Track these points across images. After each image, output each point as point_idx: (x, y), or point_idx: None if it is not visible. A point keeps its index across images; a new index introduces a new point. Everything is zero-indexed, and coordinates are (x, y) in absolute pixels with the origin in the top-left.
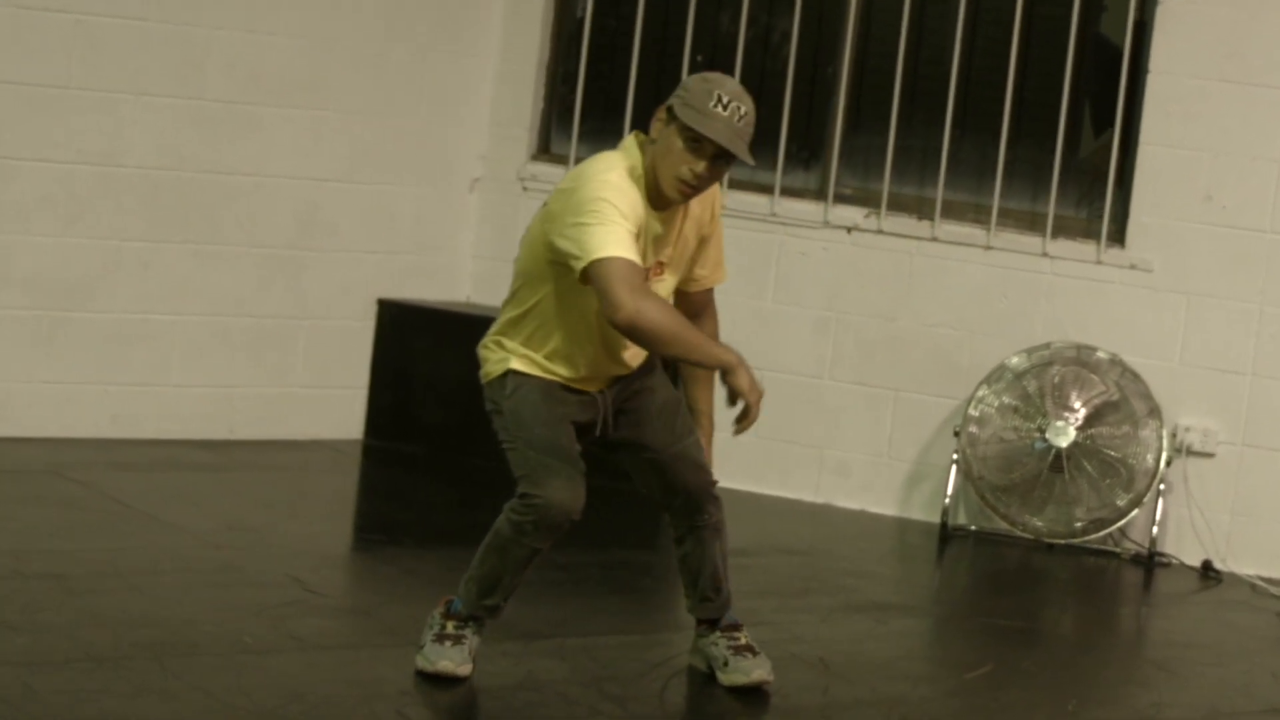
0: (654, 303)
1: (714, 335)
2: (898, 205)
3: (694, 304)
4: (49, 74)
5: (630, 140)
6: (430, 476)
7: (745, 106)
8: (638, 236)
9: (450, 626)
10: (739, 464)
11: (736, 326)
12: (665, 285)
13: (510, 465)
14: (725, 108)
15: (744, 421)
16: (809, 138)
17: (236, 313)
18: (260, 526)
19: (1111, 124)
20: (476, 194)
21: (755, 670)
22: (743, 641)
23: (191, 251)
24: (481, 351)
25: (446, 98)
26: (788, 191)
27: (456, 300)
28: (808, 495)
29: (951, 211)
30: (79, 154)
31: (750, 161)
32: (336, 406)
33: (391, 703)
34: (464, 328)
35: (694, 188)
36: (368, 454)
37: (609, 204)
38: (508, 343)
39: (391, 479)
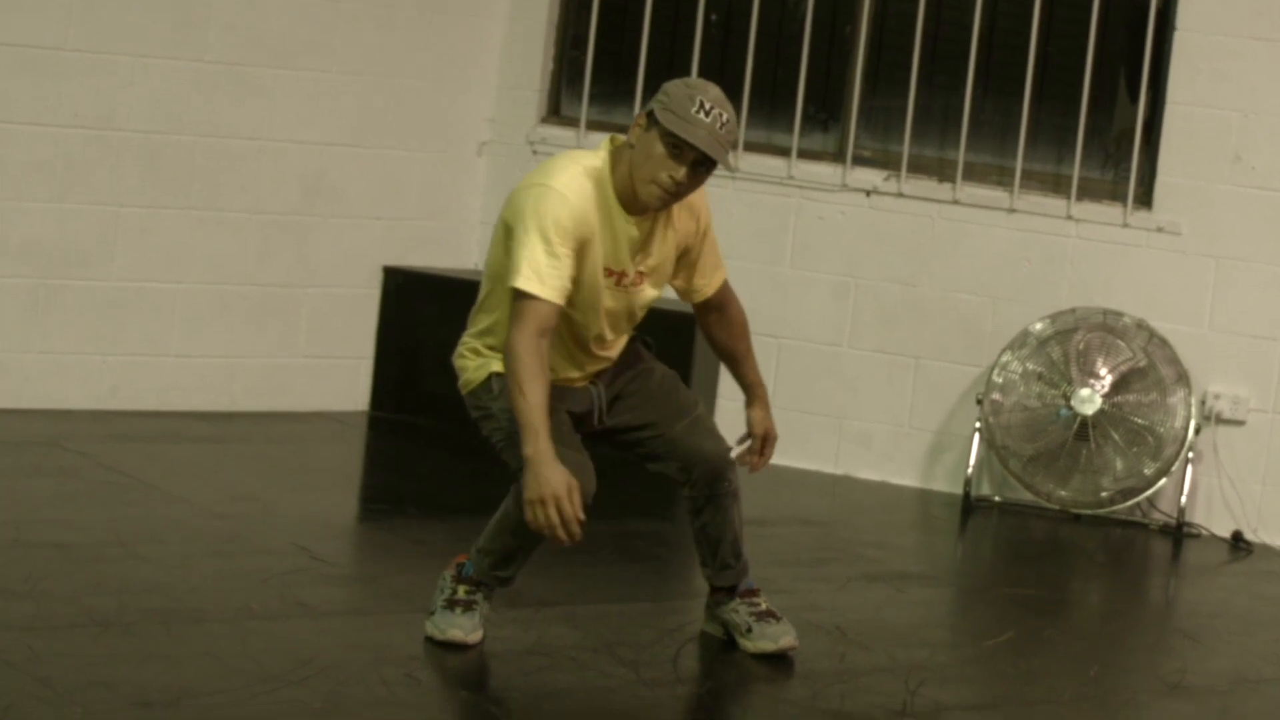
0: (529, 347)
1: (741, 323)
2: (918, 167)
3: (711, 307)
4: (44, 35)
5: (604, 143)
6: (437, 448)
7: (727, 114)
8: (583, 244)
9: (462, 591)
10: None
11: (753, 293)
12: (645, 295)
13: (513, 462)
14: (707, 114)
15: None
16: (827, 99)
17: (238, 281)
18: (264, 497)
19: (1139, 85)
20: (485, 158)
21: (783, 637)
22: (764, 607)
23: (192, 218)
24: (458, 362)
25: (454, 59)
26: (805, 154)
27: (465, 268)
28: (827, 466)
29: (973, 174)
30: (75, 117)
31: (731, 168)
32: (341, 377)
33: (401, 666)
34: (472, 296)
35: (673, 194)
36: (373, 425)
37: (537, 223)
38: (484, 350)
39: (397, 450)
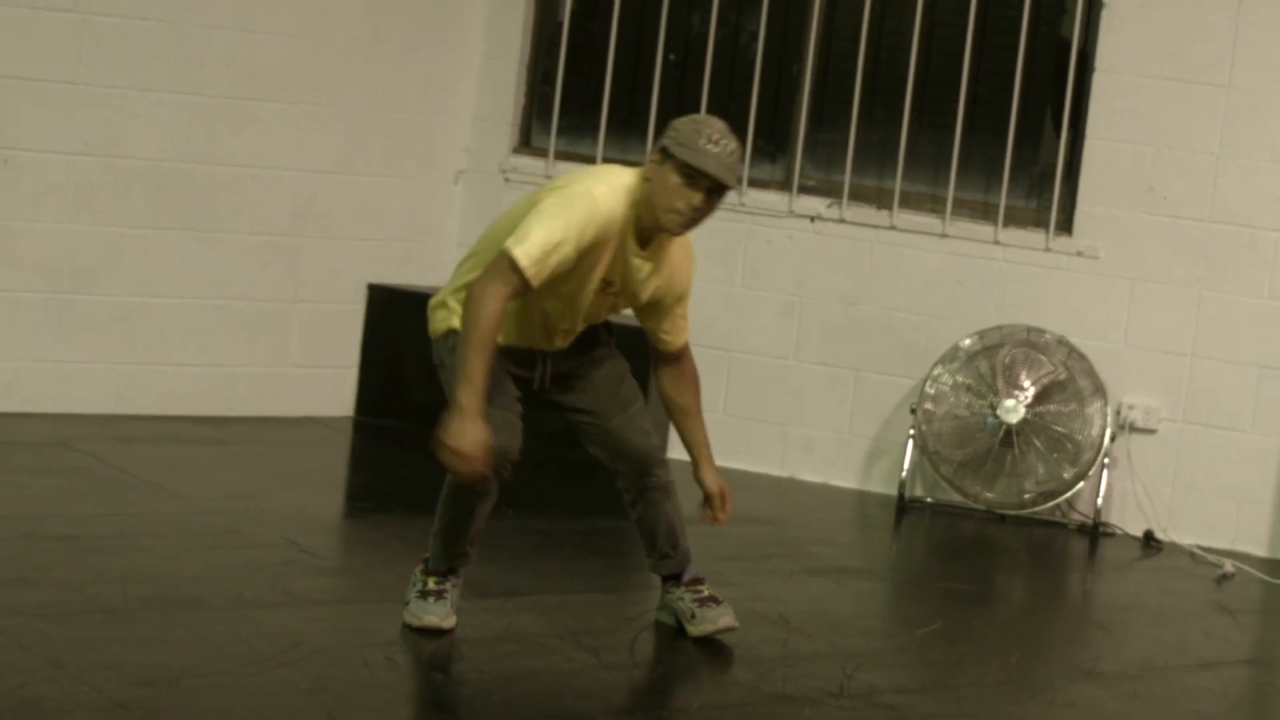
0: (490, 302)
1: (694, 379)
2: (858, 196)
3: (669, 360)
4: (57, 70)
5: (638, 171)
6: (418, 451)
7: (733, 144)
8: (594, 250)
9: (431, 583)
10: (713, 441)
11: (707, 311)
12: (618, 306)
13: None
14: (716, 145)
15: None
16: (775, 132)
17: (234, 296)
18: (257, 495)
19: (1061, 121)
20: (461, 185)
21: (721, 618)
22: (706, 593)
23: (192, 238)
24: (432, 308)
25: (433, 94)
26: (755, 183)
27: (436, 284)
28: (774, 470)
29: (909, 202)
30: (84, 145)
31: (740, 192)
32: (329, 385)
33: (382, 650)
34: None
35: (691, 220)
36: (358, 430)
37: (566, 216)
38: (454, 304)
39: (380, 453)
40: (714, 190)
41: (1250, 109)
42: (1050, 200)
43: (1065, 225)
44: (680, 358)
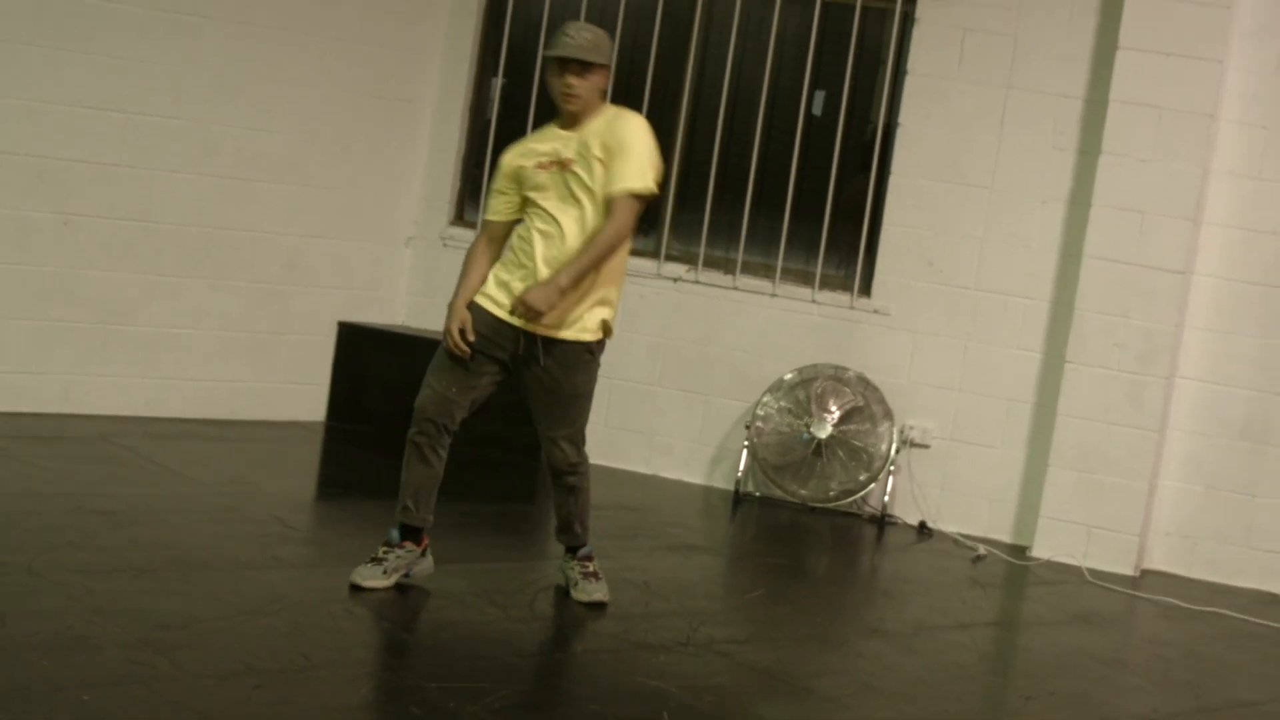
0: (472, 246)
1: (598, 234)
2: (710, 263)
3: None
4: (107, 155)
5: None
6: (373, 448)
7: (583, 33)
8: (520, 173)
9: (381, 550)
10: (596, 446)
11: None
12: (579, 171)
13: None
14: (569, 36)
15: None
16: (648, 214)
17: (238, 329)
18: (252, 480)
19: (864, 210)
20: (410, 249)
21: (596, 592)
22: (591, 569)
23: (206, 284)
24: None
25: (391, 179)
26: (634, 253)
27: (394, 323)
28: (641, 468)
29: (748, 269)
30: (126, 212)
31: (590, 57)
32: (308, 397)
33: (343, 605)
34: (399, 343)
35: (571, 94)
36: (329, 432)
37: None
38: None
39: (346, 450)
40: (576, 67)
41: (1006, 205)
42: (855, 270)
43: (865, 289)
44: (611, 209)
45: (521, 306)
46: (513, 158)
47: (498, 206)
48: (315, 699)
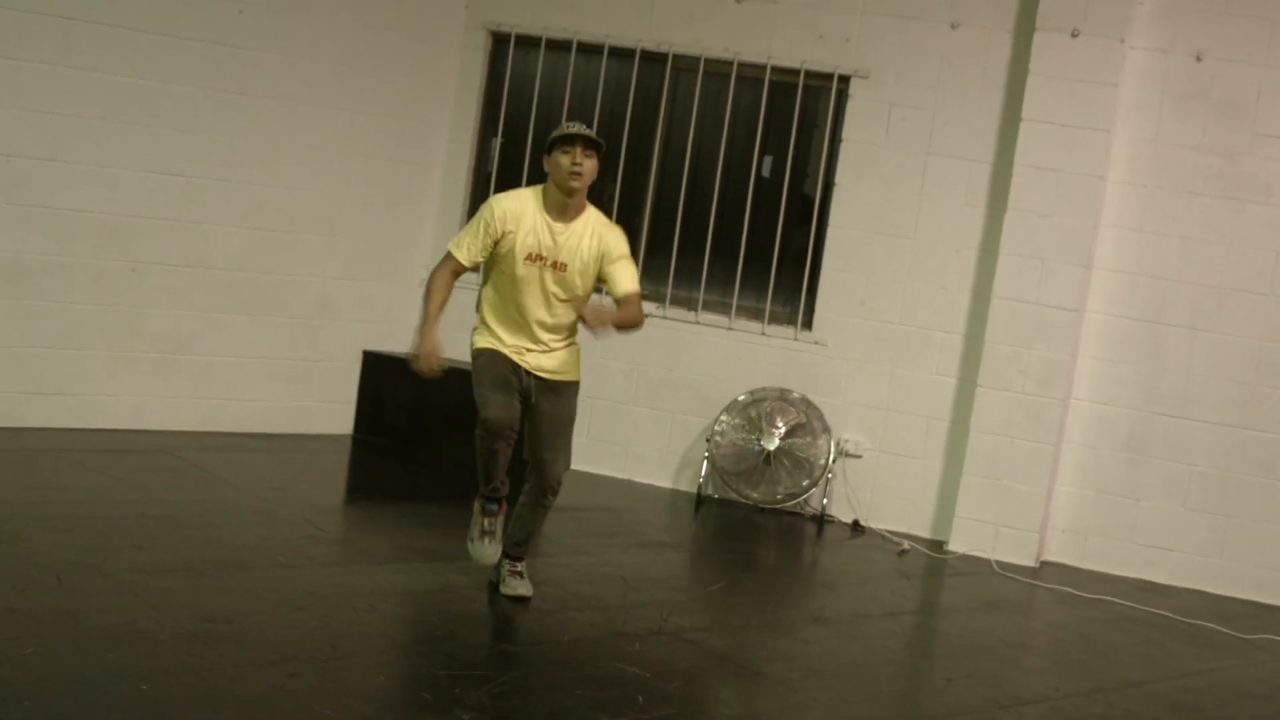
0: (436, 275)
1: (629, 317)
2: (676, 301)
3: (620, 305)
4: (168, 212)
5: (533, 187)
6: (393, 458)
7: (585, 125)
8: (506, 233)
9: (486, 523)
10: (580, 455)
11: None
12: (573, 281)
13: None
14: (573, 125)
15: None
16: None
17: (280, 357)
18: (288, 487)
19: (806, 256)
20: (423, 289)
21: (519, 588)
22: (519, 570)
23: (252, 320)
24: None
25: (406, 228)
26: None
27: (409, 351)
28: (619, 474)
29: (708, 306)
30: (185, 260)
31: (600, 141)
32: (337, 414)
33: (366, 600)
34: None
35: (579, 172)
36: (355, 443)
37: (479, 216)
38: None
39: (369, 459)
40: (582, 145)
41: (927, 253)
42: (798, 307)
43: (808, 324)
44: (627, 302)
45: (595, 316)
46: (504, 223)
47: (474, 253)
48: (341, 685)
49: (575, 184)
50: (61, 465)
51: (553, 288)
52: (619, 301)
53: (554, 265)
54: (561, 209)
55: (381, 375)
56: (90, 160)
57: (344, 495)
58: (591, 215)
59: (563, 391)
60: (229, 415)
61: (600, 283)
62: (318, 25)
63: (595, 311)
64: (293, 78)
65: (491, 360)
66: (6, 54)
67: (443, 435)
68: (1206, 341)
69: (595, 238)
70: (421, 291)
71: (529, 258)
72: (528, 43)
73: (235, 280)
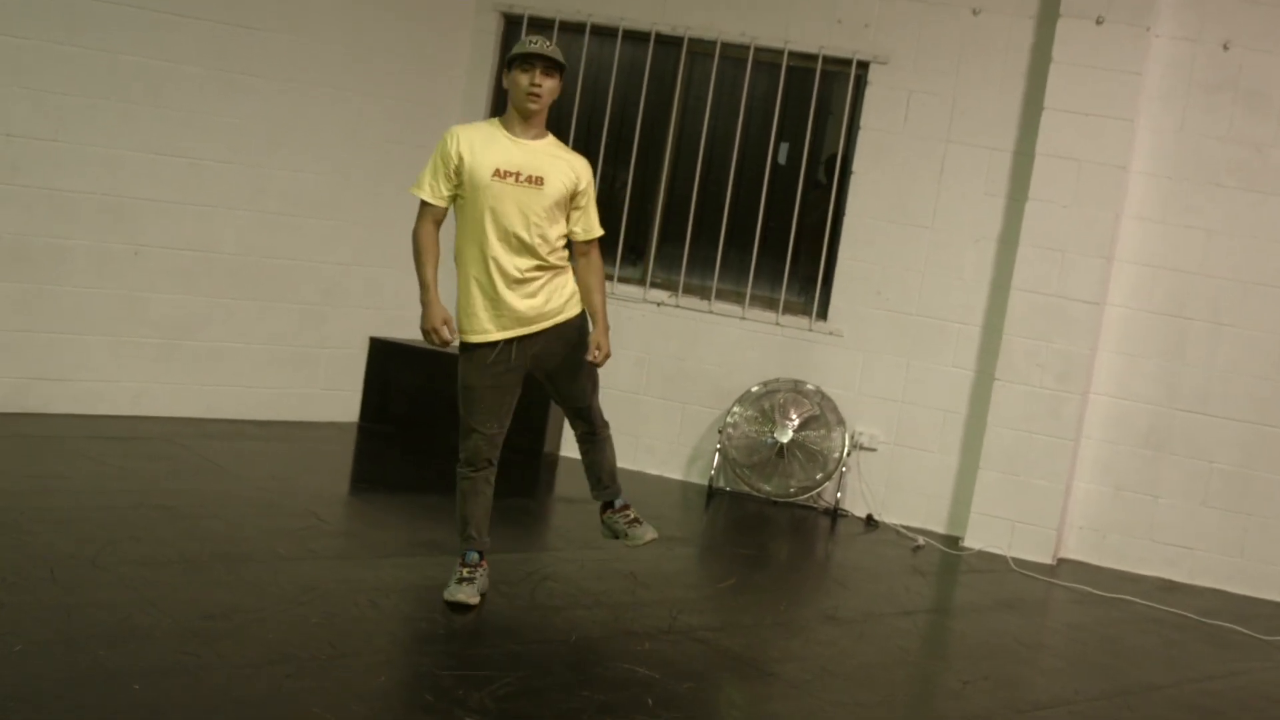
0: (419, 229)
1: (598, 266)
2: (689, 290)
3: (581, 252)
4: (172, 195)
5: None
6: (398, 447)
7: (548, 41)
8: (461, 161)
9: (465, 571)
10: None
11: None
12: (548, 193)
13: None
14: (535, 42)
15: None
16: (636, 247)
17: (285, 344)
18: (292, 477)
19: (822, 245)
20: None
21: (648, 533)
22: (632, 516)
23: (258, 306)
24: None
25: (415, 214)
26: (622, 279)
27: (417, 338)
28: (629, 465)
29: (721, 295)
30: (189, 244)
31: (559, 58)
32: (343, 401)
33: (368, 595)
34: (421, 356)
35: (536, 92)
36: (360, 431)
37: (434, 152)
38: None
39: (374, 447)
40: (542, 65)
41: (944, 243)
42: (813, 297)
43: (822, 314)
44: (589, 250)
45: (603, 356)
46: (458, 146)
47: (437, 189)
48: (340, 686)
49: (533, 105)
50: (61, 453)
51: (531, 204)
52: (583, 246)
53: (529, 180)
54: (522, 128)
55: (388, 362)
56: (93, 141)
57: (348, 485)
58: (551, 138)
59: (570, 334)
60: (233, 402)
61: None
62: (326, 5)
63: (607, 347)
64: (300, 59)
65: (481, 373)
66: (8, 31)
67: (450, 423)
68: (1229, 336)
69: (566, 158)
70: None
71: (497, 174)
72: (540, 25)
73: (240, 265)
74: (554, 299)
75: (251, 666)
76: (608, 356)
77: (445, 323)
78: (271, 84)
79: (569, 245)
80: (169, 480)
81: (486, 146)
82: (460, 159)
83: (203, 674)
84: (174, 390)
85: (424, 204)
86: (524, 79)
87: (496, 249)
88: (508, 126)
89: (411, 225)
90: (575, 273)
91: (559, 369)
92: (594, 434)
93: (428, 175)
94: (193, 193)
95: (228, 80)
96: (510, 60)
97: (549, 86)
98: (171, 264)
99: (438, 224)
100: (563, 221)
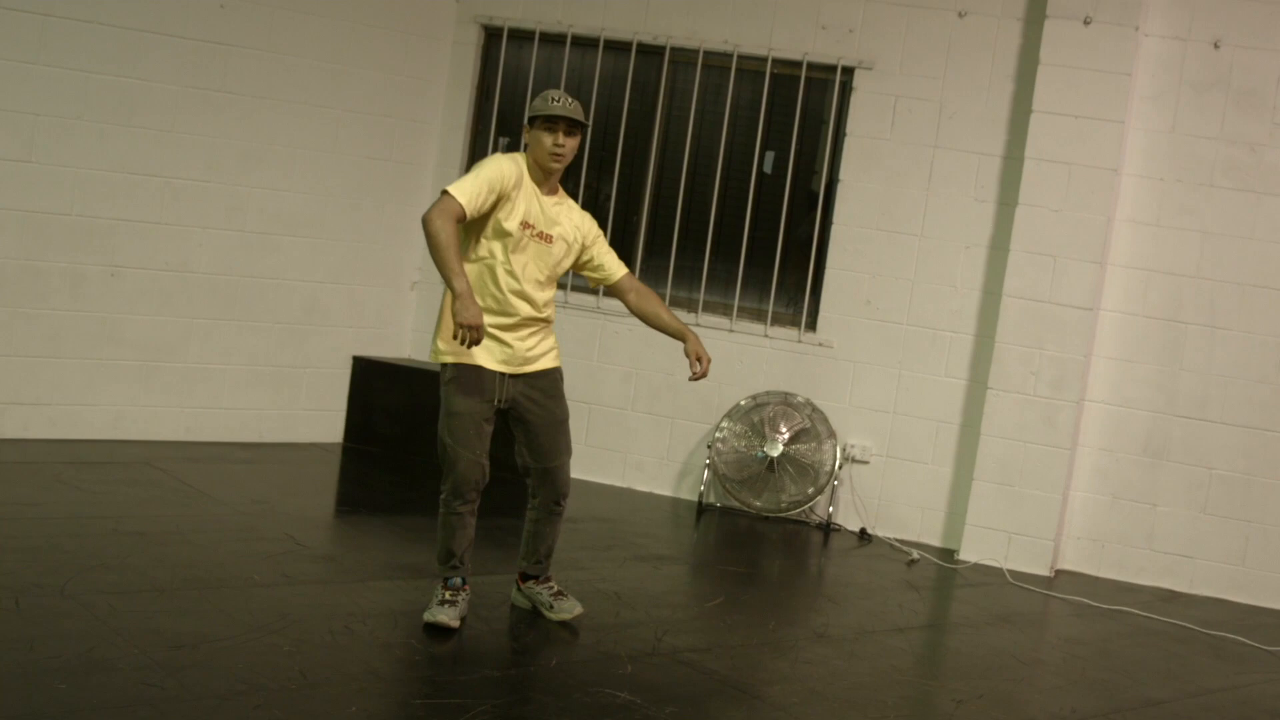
0: (444, 222)
1: (652, 293)
2: (675, 303)
3: (626, 289)
4: (148, 214)
5: (520, 152)
6: (383, 468)
7: (570, 99)
8: (506, 197)
9: (447, 594)
10: (577, 462)
11: (575, 376)
12: (556, 254)
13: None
14: (558, 101)
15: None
16: (621, 259)
17: (265, 364)
18: (272, 500)
19: (809, 254)
20: (414, 292)
21: (575, 608)
22: (556, 589)
23: (236, 326)
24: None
25: (396, 231)
26: (608, 294)
27: (401, 357)
28: (617, 482)
29: (708, 308)
30: (166, 264)
31: (582, 118)
32: (326, 422)
33: (343, 621)
34: (406, 375)
35: (560, 153)
36: (344, 452)
37: (483, 166)
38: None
39: (358, 468)
40: (566, 126)
41: (934, 251)
42: (802, 308)
43: (811, 325)
44: (634, 285)
45: (707, 362)
46: (509, 183)
47: (476, 202)
48: (309, 717)
49: (555, 165)
50: (37, 479)
51: (542, 258)
52: (627, 282)
53: (540, 236)
54: (543, 182)
55: (372, 381)
56: (66, 161)
57: (330, 508)
58: (562, 194)
59: (549, 386)
60: (213, 424)
61: (578, 270)
62: (303, 20)
63: (707, 360)
64: (277, 75)
65: (469, 398)
66: None
67: (435, 444)
68: (1227, 340)
69: (575, 220)
70: (418, 277)
71: (524, 224)
72: (521, 37)
73: (219, 284)
74: (542, 345)
75: (217, 698)
76: (710, 362)
77: (479, 318)
78: (248, 101)
79: (616, 291)
80: (146, 505)
81: (525, 194)
82: (511, 193)
83: (166, 706)
84: (153, 413)
85: (449, 202)
86: (548, 139)
87: (505, 291)
88: (532, 177)
89: (394, 242)
90: (634, 311)
91: (538, 420)
92: (556, 504)
93: (471, 181)
94: (169, 212)
95: (203, 98)
96: (534, 117)
97: (571, 146)
98: (149, 285)
99: (458, 224)
100: (553, 286)
